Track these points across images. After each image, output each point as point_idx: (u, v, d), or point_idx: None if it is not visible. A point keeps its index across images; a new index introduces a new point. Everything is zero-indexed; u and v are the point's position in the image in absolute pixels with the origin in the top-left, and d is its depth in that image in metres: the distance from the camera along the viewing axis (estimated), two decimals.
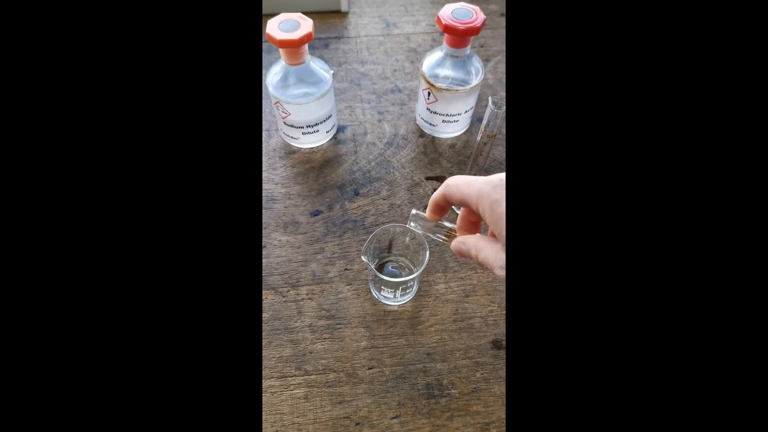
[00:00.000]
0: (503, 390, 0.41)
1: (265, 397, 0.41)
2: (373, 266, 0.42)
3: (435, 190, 0.55)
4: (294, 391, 0.41)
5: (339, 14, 0.77)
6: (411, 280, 0.41)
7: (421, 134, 0.61)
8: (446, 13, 0.48)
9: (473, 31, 0.47)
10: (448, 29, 0.48)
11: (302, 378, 0.42)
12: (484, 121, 0.42)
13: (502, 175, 0.28)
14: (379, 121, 0.62)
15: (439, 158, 0.58)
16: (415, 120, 0.62)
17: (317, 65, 0.53)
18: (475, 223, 0.33)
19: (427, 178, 0.56)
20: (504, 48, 0.71)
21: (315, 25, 0.74)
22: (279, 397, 0.41)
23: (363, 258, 0.41)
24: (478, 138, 0.44)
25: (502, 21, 0.75)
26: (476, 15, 0.48)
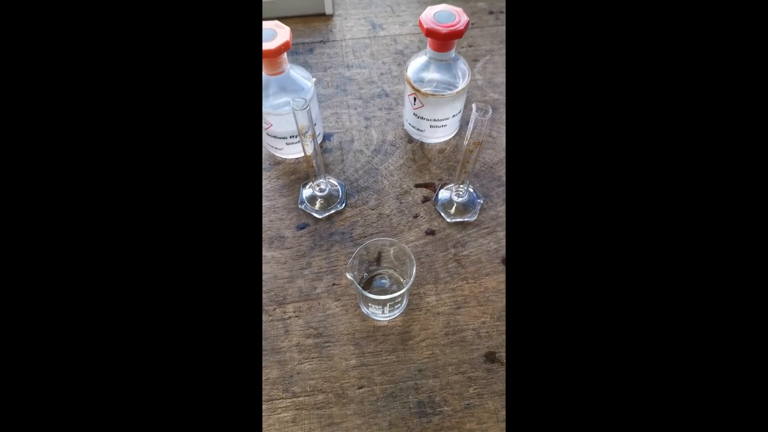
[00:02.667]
0: (497, 406, 0.40)
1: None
2: (358, 283, 0.40)
3: (425, 198, 0.53)
4: (281, 415, 0.40)
5: (323, 17, 0.75)
6: (398, 296, 0.40)
7: (410, 140, 0.59)
8: (428, 16, 0.46)
9: (456, 35, 0.46)
10: (430, 33, 0.46)
11: (290, 400, 0.40)
12: (470, 129, 0.40)
13: None
14: (366, 127, 0.60)
15: (428, 164, 0.57)
16: (403, 125, 0.60)
17: (298, 73, 0.51)
18: None
19: (417, 186, 0.55)
20: (492, 47, 0.70)
21: (299, 30, 0.73)
22: (266, 421, 0.40)
23: (348, 275, 0.39)
24: (465, 145, 0.42)
25: (491, 19, 0.74)
26: (459, 17, 0.46)
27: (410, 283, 0.39)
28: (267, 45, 0.45)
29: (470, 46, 0.70)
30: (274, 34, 0.46)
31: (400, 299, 0.42)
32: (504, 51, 0.69)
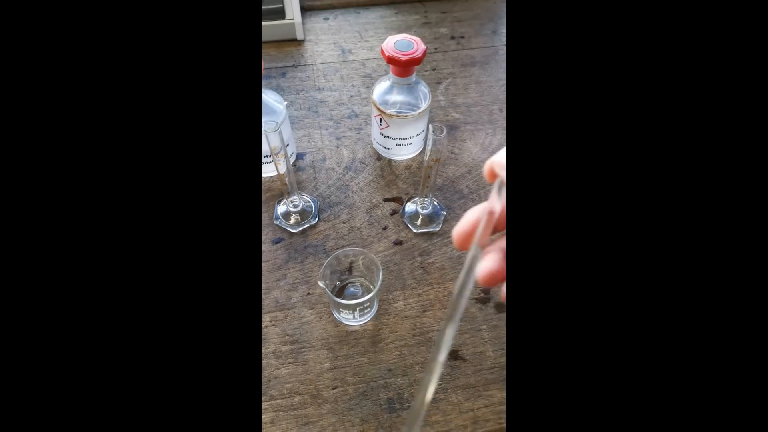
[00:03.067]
0: (460, 399, 0.43)
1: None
2: (330, 290, 0.44)
3: (393, 211, 0.57)
4: None
5: (295, 42, 0.79)
6: (366, 301, 0.44)
7: (378, 157, 0.63)
8: (389, 45, 0.51)
9: (415, 62, 0.50)
10: (391, 60, 0.50)
11: (268, 403, 0.43)
12: (428, 147, 0.44)
13: None
14: (337, 146, 0.64)
15: (395, 180, 0.61)
16: (372, 144, 0.64)
17: (270, 97, 0.55)
18: None
19: (385, 200, 0.59)
20: (454, 70, 0.75)
21: (272, 55, 0.77)
22: None
23: (320, 283, 0.43)
24: (425, 162, 0.47)
25: (452, 44, 0.79)
26: (417, 46, 0.51)
27: (377, 288, 0.43)
28: None
29: (433, 70, 0.75)
30: None
31: (369, 304, 0.45)
32: (464, 74, 0.74)
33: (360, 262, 0.47)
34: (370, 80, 0.73)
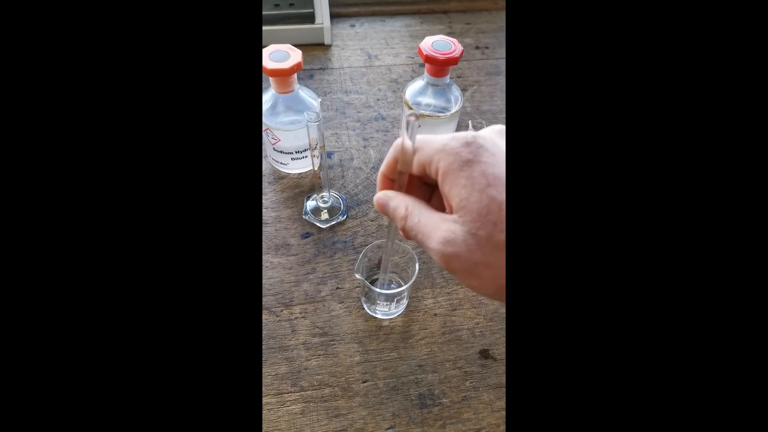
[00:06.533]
0: (492, 397, 0.43)
1: (262, 414, 0.41)
2: (367, 281, 0.43)
3: None
4: (290, 407, 0.42)
5: (323, 47, 0.80)
6: (405, 290, 0.43)
7: None
8: (427, 44, 0.52)
9: (452, 61, 0.51)
10: (429, 59, 0.51)
11: (298, 394, 0.43)
12: None
13: (483, 132, 0.23)
14: (365, 147, 0.65)
15: None
16: None
17: (305, 93, 0.55)
18: (425, 188, 0.26)
19: None
20: (479, 78, 0.76)
21: None
22: (276, 413, 0.41)
23: (357, 275, 0.42)
24: None
25: (477, 53, 0.80)
26: (455, 46, 0.52)
27: (414, 278, 0.43)
28: (280, 65, 0.49)
29: (459, 77, 0.76)
30: (287, 55, 0.50)
31: (405, 294, 0.45)
32: (490, 82, 0.75)
33: (397, 257, 0.47)
34: (397, 85, 0.74)
